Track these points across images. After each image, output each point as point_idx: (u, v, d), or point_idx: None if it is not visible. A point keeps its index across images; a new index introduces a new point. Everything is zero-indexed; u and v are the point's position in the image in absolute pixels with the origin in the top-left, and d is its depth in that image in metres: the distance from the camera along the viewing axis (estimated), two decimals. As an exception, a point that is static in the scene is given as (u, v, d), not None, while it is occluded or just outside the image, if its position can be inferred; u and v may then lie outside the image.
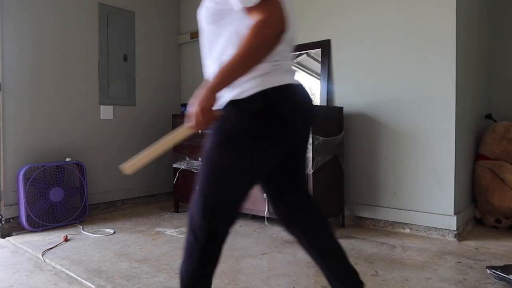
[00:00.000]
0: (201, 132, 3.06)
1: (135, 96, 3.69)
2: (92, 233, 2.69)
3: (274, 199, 1.40)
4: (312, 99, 1.44)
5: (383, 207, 2.70)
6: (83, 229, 2.79)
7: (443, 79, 2.44)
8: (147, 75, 3.82)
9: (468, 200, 2.74)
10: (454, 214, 2.42)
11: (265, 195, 2.61)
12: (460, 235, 2.45)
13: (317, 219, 1.40)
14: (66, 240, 2.54)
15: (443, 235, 2.46)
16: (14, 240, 2.58)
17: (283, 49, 1.21)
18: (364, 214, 2.79)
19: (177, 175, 3.27)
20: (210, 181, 1.20)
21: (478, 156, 2.82)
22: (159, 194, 3.90)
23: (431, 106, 2.49)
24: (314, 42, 3.02)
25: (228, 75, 1.06)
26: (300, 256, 2.16)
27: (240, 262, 2.07)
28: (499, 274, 1.75)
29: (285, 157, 1.31)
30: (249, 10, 1.07)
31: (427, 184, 2.52)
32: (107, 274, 1.94)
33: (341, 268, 1.38)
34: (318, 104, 2.94)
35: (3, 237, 2.67)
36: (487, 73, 3.10)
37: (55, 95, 3.07)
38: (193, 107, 1.10)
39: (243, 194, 1.21)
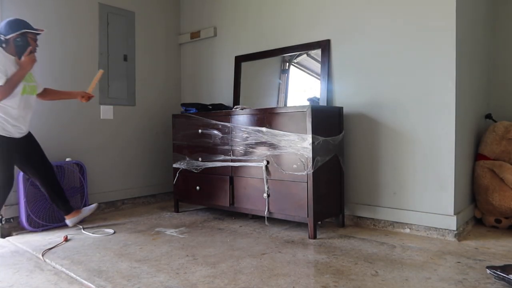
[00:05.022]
0: (200, 132, 3.07)
1: (135, 96, 3.69)
2: (92, 233, 2.69)
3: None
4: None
5: (383, 207, 2.71)
6: (83, 229, 2.79)
7: (443, 79, 2.44)
8: (147, 75, 3.82)
9: (468, 200, 2.75)
10: (454, 214, 2.42)
11: (265, 194, 2.62)
12: (460, 235, 2.45)
13: None
14: (66, 240, 2.54)
15: (443, 235, 2.46)
16: (14, 240, 2.58)
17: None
18: (364, 214, 2.79)
19: (177, 175, 3.27)
20: None
21: (478, 156, 2.82)
22: (159, 194, 3.90)
23: (431, 106, 2.49)
24: (314, 42, 3.03)
25: None
26: (300, 256, 2.16)
27: (240, 262, 2.07)
28: (499, 274, 1.75)
29: None
30: None
31: (427, 184, 2.52)
32: (107, 274, 1.94)
33: None
34: (318, 104, 2.94)
35: (3, 237, 2.67)
36: (487, 73, 3.10)
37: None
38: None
39: None
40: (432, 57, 2.48)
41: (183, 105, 3.31)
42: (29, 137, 2.59)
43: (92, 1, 3.37)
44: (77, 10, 3.26)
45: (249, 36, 3.49)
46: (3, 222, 2.73)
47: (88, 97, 2.81)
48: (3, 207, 2.74)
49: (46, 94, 2.73)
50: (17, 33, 2.32)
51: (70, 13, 3.21)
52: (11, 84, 2.29)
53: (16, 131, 2.44)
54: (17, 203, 2.77)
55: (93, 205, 2.85)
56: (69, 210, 2.71)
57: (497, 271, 1.76)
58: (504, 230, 2.66)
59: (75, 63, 3.23)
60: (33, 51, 2.40)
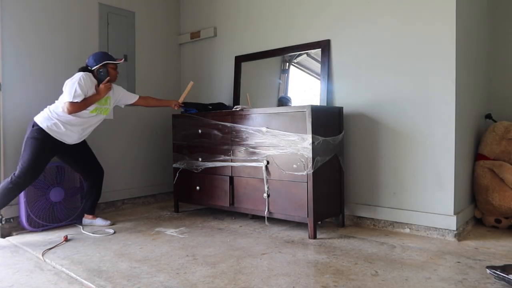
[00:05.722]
0: (200, 132, 3.07)
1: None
2: (92, 233, 2.69)
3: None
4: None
5: (383, 207, 2.71)
6: (83, 229, 2.79)
7: (443, 79, 2.44)
8: (147, 75, 3.82)
9: (468, 200, 2.75)
10: (454, 214, 2.42)
11: (265, 194, 2.63)
12: (460, 235, 2.45)
13: None
14: (66, 240, 2.54)
15: (443, 235, 2.46)
16: (14, 240, 2.58)
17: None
18: (364, 214, 2.79)
19: (177, 175, 3.27)
20: None
21: (478, 156, 2.82)
22: (159, 194, 3.90)
23: (431, 106, 2.49)
24: (314, 42, 3.03)
25: None
26: (300, 256, 2.16)
27: (240, 262, 2.07)
28: (499, 274, 1.75)
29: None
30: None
31: (427, 184, 2.52)
32: (107, 274, 1.94)
33: None
34: (319, 104, 2.94)
35: (3, 237, 2.67)
36: (487, 73, 3.10)
37: (56, 95, 3.06)
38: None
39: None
40: (432, 57, 2.48)
41: (183, 104, 3.30)
42: (81, 143, 2.87)
43: (92, 1, 3.37)
44: (77, 10, 3.26)
45: (249, 36, 3.49)
46: (3, 222, 2.73)
47: (179, 105, 3.19)
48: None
49: (145, 101, 3.12)
50: (100, 65, 2.72)
51: (70, 13, 3.21)
52: (85, 103, 2.64)
53: (69, 138, 2.71)
54: (17, 203, 2.77)
55: (108, 222, 2.95)
56: (91, 211, 2.96)
57: (497, 271, 1.76)
58: (504, 230, 2.66)
59: (75, 64, 3.21)
60: (111, 81, 2.78)
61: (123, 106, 3.12)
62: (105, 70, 2.73)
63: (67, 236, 2.58)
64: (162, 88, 3.95)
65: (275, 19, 3.29)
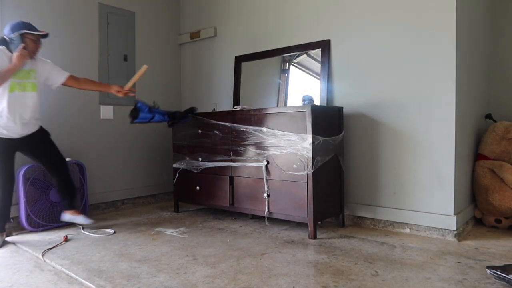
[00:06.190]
0: (200, 132, 3.07)
1: (135, 96, 3.67)
2: (92, 233, 2.69)
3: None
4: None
5: (383, 207, 2.71)
6: (83, 229, 2.79)
7: (443, 79, 2.44)
8: (147, 75, 3.81)
9: (468, 200, 2.75)
10: (454, 214, 2.42)
11: (265, 194, 2.62)
12: (460, 235, 2.45)
13: None
14: (66, 240, 2.54)
15: (443, 235, 2.46)
16: (14, 240, 2.58)
17: None
18: (364, 214, 2.79)
19: (177, 175, 3.27)
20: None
21: (478, 156, 2.82)
22: (159, 194, 3.90)
23: (431, 106, 2.49)
24: (314, 42, 3.03)
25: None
26: (300, 256, 2.16)
27: (240, 262, 2.07)
28: (499, 274, 1.75)
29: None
30: None
31: (427, 184, 2.52)
32: (107, 274, 1.94)
33: None
34: (319, 104, 2.94)
35: (3, 237, 2.67)
36: (487, 73, 3.10)
37: (55, 95, 3.07)
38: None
39: None
40: (432, 57, 2.48)
41: (133, 93, 2.92)
42: (36, 135, 2.63)
43: (92, 1, 3.37)
44: (77, 10, 3.26)
45: (249, 36, 3.49)
46: (3, 222, 2.73)
47: (124, 93, 2.82)
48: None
49: (77, 83, 2.77)
50: (16, 33, 2.43)
51: (70, 13, 3.22)
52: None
53: (12, 132, 2.50)
54: (17, 203, 2.77)
55: (90, 221, 2.78)
56: (70, 207, 2.77)
57: (497, 271, 1.76)
58: (504, 230, 2.66)
59: (75, 63, 3.23)
60: (30, 53, 2.48)
61: (54, 87, 2.73)
62: (20, 39, 2.42)
63: (67, 236, 2.58)
64: (162, 88, 3.95)
65: (275, 19, 3.29)
